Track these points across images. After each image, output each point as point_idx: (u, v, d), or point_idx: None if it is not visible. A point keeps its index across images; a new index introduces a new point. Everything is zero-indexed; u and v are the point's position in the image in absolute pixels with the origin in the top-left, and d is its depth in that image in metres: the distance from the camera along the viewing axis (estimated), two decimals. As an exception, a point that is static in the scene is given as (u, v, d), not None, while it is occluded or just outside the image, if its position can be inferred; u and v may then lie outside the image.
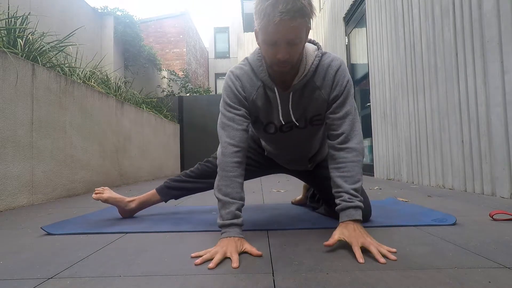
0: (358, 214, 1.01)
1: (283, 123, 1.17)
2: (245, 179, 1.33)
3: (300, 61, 1.07)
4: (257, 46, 1.07)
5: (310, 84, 1.11)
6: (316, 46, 1.14)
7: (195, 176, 1.55)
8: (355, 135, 1.09)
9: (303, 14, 0.92)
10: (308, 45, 1.13)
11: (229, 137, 1.08)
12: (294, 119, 1.15)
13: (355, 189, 1.04)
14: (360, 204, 1.03)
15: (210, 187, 1.54)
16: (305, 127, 1.21)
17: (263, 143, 1.43)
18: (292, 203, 1.97)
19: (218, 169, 1.10)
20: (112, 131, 3.85)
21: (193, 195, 2.62)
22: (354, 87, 5.30)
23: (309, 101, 1.13)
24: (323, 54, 1.12)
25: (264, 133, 1.26)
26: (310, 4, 0.94)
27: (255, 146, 1.49)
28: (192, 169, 1.58)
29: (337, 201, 1.05)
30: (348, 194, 1.03)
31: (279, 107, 1.12)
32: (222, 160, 1.08)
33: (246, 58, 1.15)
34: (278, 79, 1.10)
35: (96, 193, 1.57)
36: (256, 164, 1.50)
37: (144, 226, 1.40)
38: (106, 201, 1.55)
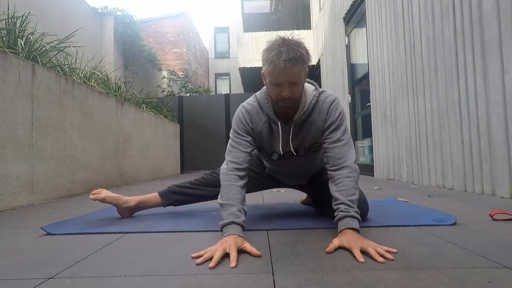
0: (355, 224, 1.06)
1: (282, 153, 1.34)
2: (248, 192, 1.46)
3: (300, 99, 1.24)
4: (262, 75, 1.22)
5: (309, 119, 1.28)
6: (314, 87, 1.31)
7: (199, 184, 1.60)
8: (349, 157, 1.21)
9: (302, 62, 1.11)
10: (307, 85, 1.30)
11: (233, 157, 1.23)
12: (292, 149, 1.32)
13: (351, 201, 1.11)
14: (357, 214, 1.08)
15: (213, 195, 1.56)
16: (305, 154, 1.37)
17: (265, 163, 1.56)
18: (301, 203, 1.99)
19: (221, 182, 1.21)
20: (112, 131, 3.85)
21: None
22: (354, 87, 5.31)
23: (307, 133, 1.30)
24: (320, 93, 1.29)
25: (268, 159, 1.44)
26: (308, 53, 1.13)
27: (259, 162, 1.61)
28: (197, 178, 1.64)
29: (335, 213, 1.12)
30: (344, 204, 1.10)
31: (280, 138, 1.29)
32: (225, 173, 1.21)
33: (255, 95, 1.33)
34: (282, 114, 1.27)
35: (93, 194, 1.56)
36: (258, 176, 1.60)
37: (144, 226, 1.40)
38: (103, 200, 1.55)
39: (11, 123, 2.19)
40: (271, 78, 1.14)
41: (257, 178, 1.59)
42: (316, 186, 1.56)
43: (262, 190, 1.83)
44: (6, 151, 2.13)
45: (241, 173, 1.21)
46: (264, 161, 1.57)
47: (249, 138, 1.27)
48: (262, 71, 1.20)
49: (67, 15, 5.11)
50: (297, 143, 1.33)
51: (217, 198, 1.46)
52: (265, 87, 1.28)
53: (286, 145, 1.32)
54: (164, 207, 1.63)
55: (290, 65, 1.08)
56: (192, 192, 1.60)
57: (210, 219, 1.52)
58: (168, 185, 1.66)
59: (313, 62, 8.08)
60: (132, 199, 1.60)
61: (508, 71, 1.99)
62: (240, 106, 1.34)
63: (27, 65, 2.37)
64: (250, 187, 1.59)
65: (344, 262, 0.87)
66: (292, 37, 1.14)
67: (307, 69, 1.18)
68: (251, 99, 1.34)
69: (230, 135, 1.31)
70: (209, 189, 1.57)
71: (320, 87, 7.89)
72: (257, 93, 1.33)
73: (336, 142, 1.22)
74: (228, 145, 1.29)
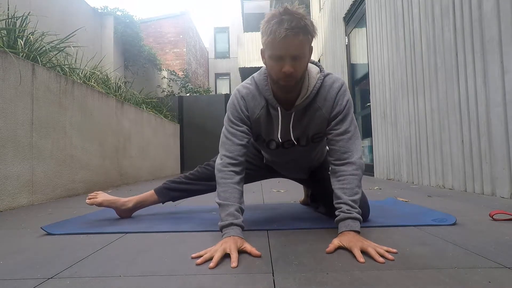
0: (357, 226, 1.04)
1: (281, 141, 1.23)
2: (244, 183, 1.36)
3: (303, 81, 1.12)
4: (261, 52, 1.12)
5: (312, 105, 1.16)
6: (319, 69, 1.19)
7: (194, 178, 1.56)
8: (355, 151, 1.13)
9: (306, 32, 0.99)
10: (311, 66, 1.18)
11: (228, 151, 1.16)
12: (293, 137, 1.20)
13: (353, 201, 1.07)
14: (359, 216, 1.06)
15: (209, 189, 1.54)
16: (307, 145, 1.27)
17: (264, 153, 1.47)
18: (301, 203, 1.98)
19: (216, 180, 1.16)
20: (112, 131, 3.85)
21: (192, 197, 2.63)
22: (354, 87, 5.31)
23: (310, 120, 1.19)
24: (326, 75, 1.17)
25: (266, 148, 1.33)
26: (312, 24, 1.02)
27: (256, 152, 1.53)
28: (192, 172, 1.60)
29: (336, 212, 1.09)
30: (347, 205, 1.06)
31: (279, 125, 1.18)
32: (220, 169, 1.15)
33: (253, 77, 1.20)
34: (282, 98, 1.15)
35: (89, 198, 1.54)
36: (256, 168, 1.53)
37: (144, 226, 1.40)
38: (100, 204, 1.53)
39: (11, 123, 2.19)
40: (271, 51, 1.01)
41: (254, 170, 1.51)
42: (317, 181, 1.51)
43: (261, 180, 1.78)
44: (6, 151, 2.13)
45: (237, 168, 1.14)
46: (262, 151, 1.48)
47: (244, 128, 1.17)
48: (261, 47, 1.08)
49: (67, 15, 5.11)
50: (299, 131, 1.22)
51: (213, 191, 1.45)
52: (264, 67, 1.15)
53: (286, 133, 1.20)
54: (162, 203, 1.62)
55: (292, 34, 0.96)
56: (188, 188, 1.56)
57: (210, 219, 1.52)
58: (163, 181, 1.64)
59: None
60: (129, 200, 1.58)
61: (508, 71, 1.99)
62: (235, 90, 1.21)
63: (27, 65, 2.37)
64: (247, 178, 1.49)
65: (344, 262, 0.87)
66: (296, 7, 1.01)
67: (312, 44, 1.06)
68: (247, 81, 1.21)
69: (225, 122, 1.20)
70: (204, 183, 1.54)
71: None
72: (254, 74, 1.21)
73: (343, 134, 1.14)
74: (222, 134, 1.20)
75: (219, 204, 1.11)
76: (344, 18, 5.50)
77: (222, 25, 16.56)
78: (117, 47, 6.42)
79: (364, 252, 0.92)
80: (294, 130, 1.20)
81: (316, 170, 1.51)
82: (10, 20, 2.57)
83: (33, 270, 0.88)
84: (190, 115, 7.67)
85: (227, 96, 7.79)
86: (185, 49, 11.61)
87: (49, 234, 1.30)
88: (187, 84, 10.18)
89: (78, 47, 3.90)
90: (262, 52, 1.09)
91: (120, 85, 4.83)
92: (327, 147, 1.21)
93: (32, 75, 2.43)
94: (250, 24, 11.25)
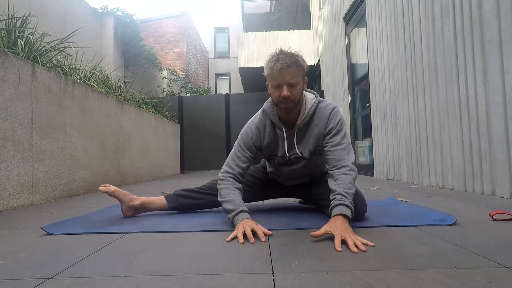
0: (348, 212, 1.15)
1: (288, 155, 1.46)
2: (247, 201, 1.60)
3: (301, 105, 1.40)
4: (266, 84, 1.39)
5: (311, 123, 1.43)
6: (313, 95, 1.47)
7: (205, 189, 1.65)
8: (348, 159, 1.33)
9: (297, 64, 1.29)
10: (308, 94, 1.46)
11: (231, 168, 1.42)
12: (298, 151, 1.45)
13: (347, 192, 1.21)
14: (350, 205, 1.17)
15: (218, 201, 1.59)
16: (310, 158, 1.49)
17: (268, 168, 1.68)
18: (300, 202, 1.98)
19: (218, 188, 1.39)
20: (112, 131, 3.85)
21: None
22: (354, 87, 5.31)
23: (310, 136, 1.44)
24: (320, 101, 1.44)
25: (276, 164, 1.55)
26: (303, 60, 1.32)
27: (262, 169, 1.73)
28: (204, 184, 1.69)
29: (331, 202, 1.21)
30: (340, 195, 1.20)
31: (285, 142, 1.44)
32: (221, 178, 1.41)
33: (263, 108, 1.48)
34: (285, 120, 1.42)
35: (103, 186, 1.57)
36: (261, 182, 1.70)
37: (144, 226, 1.40)
38: (113, 193, 1.55)
39: (11, 123, 2.19)
40: (271, 81, 1.32)
41: (259, 184, 1.68)
42: (316, 183, 1.62)
43: (264, 200, 1.89)
44: (6, 151, 2.13)
45: (236, 180, 1.40)
46: (267, 167, 1.68)
47: (248, 154, 1.44)
48: (266, 81, 1.36)
49: (67, 15, 5.11)
50: (302, 146, 1.45)
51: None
52: (270, 98, 1.42)
53: (291, 148, 1.45)
54: (168, 210, 1.64)
55: (286, 67, 1.26)
56: (198, 196, 1.63)
57: (210, 219, 1.52)
58: (168, 185, 1.67)
59: (313, 62, 8.09)
60: (137, 198, 1.62)
61: (508, 71, 1.99)
62: (249, 121, 1.50)
63: (27, 65, 2.37)
64: (252, 193, 1.68)
65: (344, 262, 0.87)
66: (291, 50, 1.32)
67: (305, 75, 1.33)
68: (259, 112, 1.49)
69: (236, 143, 1.48)
70: (215, 193, 1.57)
71: (320, 87, 7.71)
72: (264, 105, 1.48)
73: (337, 145, 1.35)
74: (232, 151, 1.48)
75: (223, 201, 1.32)
76: (344, 18, 5.50)
77: (222, 25, 16.55)
78: (117, 47, 6.42)
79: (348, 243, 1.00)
80: (298, 145, 1.45)
81: (317, 177, 1.64)
82: (10, 20, 2.57)
83: (33, 270, 0.88)
84: (190, 115, 7.66)
85: (227, 96, 7.79)
86: (185, 49, 11.61)
87: (49, 234, 1.30)
88: (187, 84, 10.17)
89: (78, 47, 3.90)
90: (267, 84, 1.38)
91: (120, 85, 4.82)
92: (326, 158, 1.40)
93: (32, 75, 2.43)
94: (250, 24, 11.24)
